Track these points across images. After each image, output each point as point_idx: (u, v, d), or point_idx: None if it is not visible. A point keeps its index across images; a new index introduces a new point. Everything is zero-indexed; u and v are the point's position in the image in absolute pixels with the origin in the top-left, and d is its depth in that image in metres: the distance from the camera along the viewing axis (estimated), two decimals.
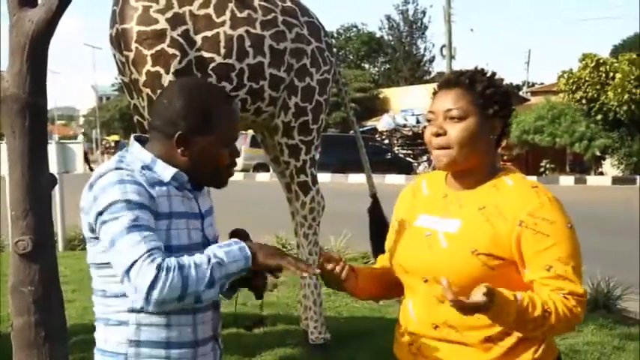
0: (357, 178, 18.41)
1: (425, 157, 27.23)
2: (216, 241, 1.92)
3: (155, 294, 1.63)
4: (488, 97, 1.88)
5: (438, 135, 1.88)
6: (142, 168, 1.81)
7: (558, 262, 1.79)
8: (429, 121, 1.92)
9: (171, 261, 1.66)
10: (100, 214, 1.71)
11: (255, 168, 25.62)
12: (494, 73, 1.94)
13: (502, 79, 1.99)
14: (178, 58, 3.93)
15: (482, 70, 1.94)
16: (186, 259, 1.69)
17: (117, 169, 1.78)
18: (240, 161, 25.89)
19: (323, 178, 22.21)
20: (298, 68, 4.40)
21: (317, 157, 4.80)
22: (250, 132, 19.68)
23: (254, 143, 23.58)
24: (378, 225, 4.80)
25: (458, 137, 1.87)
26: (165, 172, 1.82)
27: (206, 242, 1.86)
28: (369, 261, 7.26)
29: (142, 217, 1.70)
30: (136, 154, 1.85)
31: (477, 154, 1.88)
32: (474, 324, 1.82)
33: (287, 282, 6.73)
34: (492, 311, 1.69)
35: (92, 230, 1.76)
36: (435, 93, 1.94)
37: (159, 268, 1.64)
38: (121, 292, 1.75)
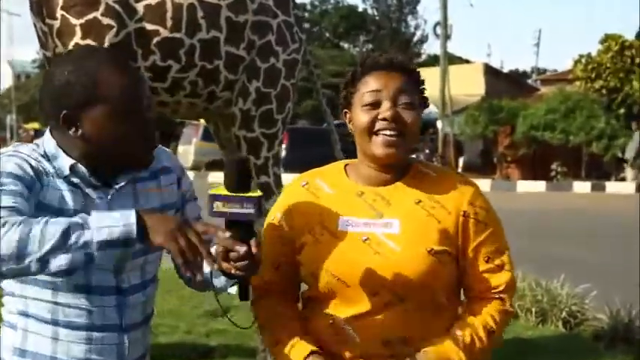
0: None
1: (414, 155, 27.27)
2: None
3: None
4: (421, 85, 2.07)
5: (394, 120, 1.98)
6: (43, 156, 1.88)
7: (496, 252, 2.05)
8: (371, 105, 2.00)
9: (19, 218, 1.68)
10: None
11: (208, 166, 25.52)
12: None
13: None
14: (114, 30, 3.91)
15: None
16: (41, 218, 1.69)
17: (10, 156, 1.85)
18: (190, 157, 25.82)
19: (289, 180, 22.10)
20: (261, 46, 4.40)
21: (282, 153, 4.80)
22: (203, 122, 19.59)
23: (208, 136, 23.51)
24: None
25: (411, 126, 2.01)
26: (64, 163, 1.88)
27: None
28: None
29: (8, 183, 1.76)
30: (44, 142, 1.92)
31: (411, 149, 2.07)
32: (431, 334, 1.99)
33: (242, 305, 6.70)
34: None
35: None
36: (367, 72, 2.03)
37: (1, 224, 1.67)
38: (10, 290, 1.89)
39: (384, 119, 1.98)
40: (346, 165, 2.15)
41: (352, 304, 1.99)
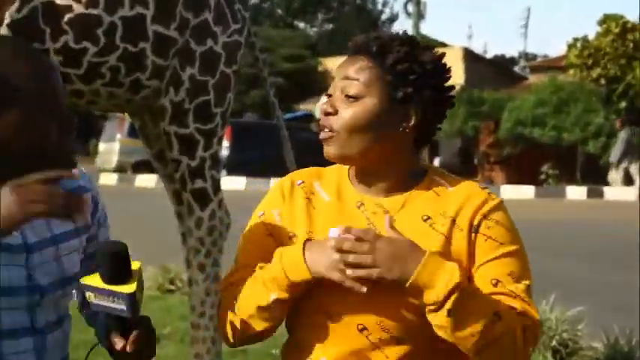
0: None
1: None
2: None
3: None
4: (400, 75, 2.00)
5: (327, 114, 2.02)
6: None
7: (509, 278, 1.98)
8: (329, 95, 2.06)
9: None
10: None
11: (135, 167, 25.38)
12: (427, 46, 2.05)
13: (436, 54, 2.08)
14: (17, 5, 3.85)
15: (408, 37, 2.06)
16: None
17: None
18: (113, 157, 25.65)
19: (234, 183, 21.96)
20: (196, 26, 4.38)
21: (222, 153, 4.79)
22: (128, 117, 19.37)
23: (135, 131, 23.35)
24: None
25: (346, 121, 1.99)
26: None
27: (35, 288, 1.89)
28: None
29: None
30: None
31: (376, 149, 2.01)
32: None
33: (173, 334, 6.68)
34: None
35: None
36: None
37: None
38: None
39: (322, 113, 2.03)
40: (350, 167, 2.16)
41: (336, 342, 1.99)
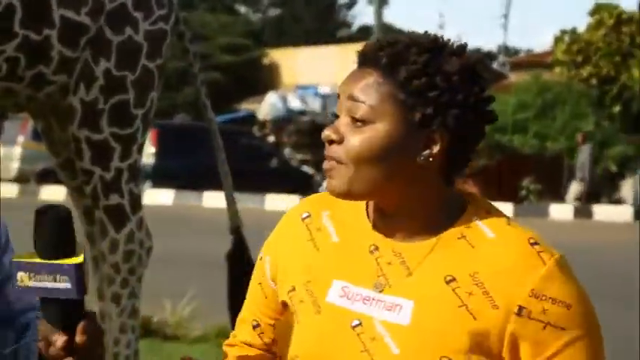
0: (219, 199, 18.24)
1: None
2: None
3: None
4: (416, 92, 1.85)
5: (331, 142, 1.89)
6: None
7: None
8: (336, 116, 1.93)
9: None
10: None
11: (40, 176, 25.13)
12: (460, 47, 1.92)
13: (466, 59, 1.92)
14: None
15: (431, 40, 1.90)
16: None
17: None
18: (12, 165, 25.35)
19: (159, 198, 21.58)
20: (112, 11, 4.38)
21: (145, 162, 4.79)
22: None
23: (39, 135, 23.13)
24: (241, 280, 4.78)
25: (353, 150, 1.87)
26: None
27: None
28: (227, 338, 7.22)
29: None
30: None
31: (392, 183, 1.89)
32: None
33: None
34: None
35: None
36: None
37: None
38: None
39: (325, 140, 1.92)
40: None
41: None
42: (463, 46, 1.93)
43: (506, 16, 59.76)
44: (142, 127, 4.60)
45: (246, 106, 33.93)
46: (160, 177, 21.89)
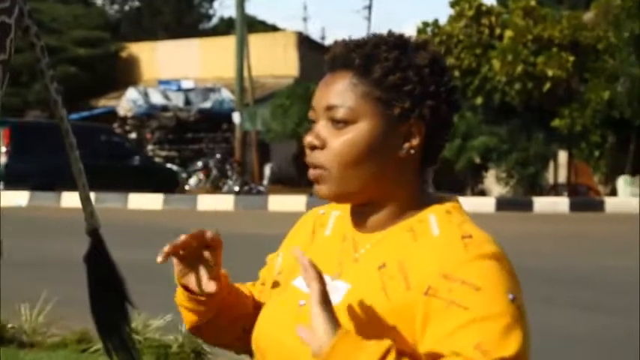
0: (78, 200, 18.02)
1: (200, 164, 27.27)
2: None
3: None
4: (392, 88, 1.98)
5: (312, 148, 2.01)
6: None
7: (475, 351, 1.83)
8: (312, 122, 2.06)
9: None
10: None
11: None
12: (423, 42, 2.04)
13: (432, 51, 2.06)
14: None
15: (397, 37, 2.04)
16: None
17: None
18: None
19: (12, 199, 21.30)
20: None
21: None
22: None
23: None
24: (102, 283, 4.85)
25: (337, 154, 1.98)
26: None
27: None
28: (89, 347, 7.27)
29: None
30: None
31: (376, 181, 2.01)
32: None
33: None
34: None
35: None
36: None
37: None
38: None
39: (307, 147, 2.02)
40: None
41: None
42: (426, 41, 2.05)
43: (369, 8, 61.08)
44: None
45: (105, 103, 33.65)
46: (14, 178, 21.84)
